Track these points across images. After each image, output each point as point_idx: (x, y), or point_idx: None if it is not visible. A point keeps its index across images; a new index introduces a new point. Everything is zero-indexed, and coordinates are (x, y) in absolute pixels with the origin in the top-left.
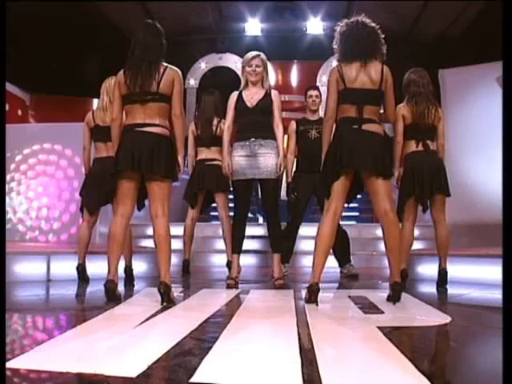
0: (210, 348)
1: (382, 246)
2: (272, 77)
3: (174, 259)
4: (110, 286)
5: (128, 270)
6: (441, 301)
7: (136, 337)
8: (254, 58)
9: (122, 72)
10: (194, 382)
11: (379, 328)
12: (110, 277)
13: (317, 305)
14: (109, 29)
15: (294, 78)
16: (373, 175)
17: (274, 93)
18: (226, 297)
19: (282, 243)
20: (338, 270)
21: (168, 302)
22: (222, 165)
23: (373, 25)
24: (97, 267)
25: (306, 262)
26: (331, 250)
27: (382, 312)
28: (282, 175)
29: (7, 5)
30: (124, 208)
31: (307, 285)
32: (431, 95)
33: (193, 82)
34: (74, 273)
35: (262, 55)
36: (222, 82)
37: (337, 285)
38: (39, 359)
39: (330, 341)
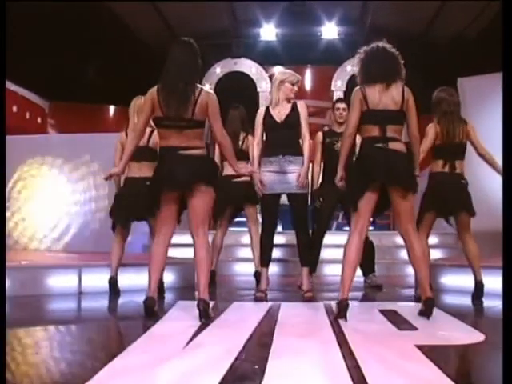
0: (264, 372)
1: (401, 254)
2: None
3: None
4: (149, 303)
5: (159, 282)
6: (469, 314)
7: (188, 361)
8: (293, 75)
9: (155, 90)
10: None
11: (417, 346)
12: (149, 294)
13: (346, 320)
14: (128, 38)
15: (309, 82)
16: (397, 193)
17: (300, 104)
18: (259, 311)
19: (311, 256)
20: (362, 278)
21: (206, 318)
22: (254, 181)
23: (393, 50)
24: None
25: (329, 270)
26: None
27: (416, 328)
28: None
29: (27, 12)
30: (167, 228)
31: (334, 295)
32: (459, 113)
33: (208, 86)
34: (103, 285)
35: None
36: (237, 87)
37: (361, 295)
38: None
39: (374, 361)
